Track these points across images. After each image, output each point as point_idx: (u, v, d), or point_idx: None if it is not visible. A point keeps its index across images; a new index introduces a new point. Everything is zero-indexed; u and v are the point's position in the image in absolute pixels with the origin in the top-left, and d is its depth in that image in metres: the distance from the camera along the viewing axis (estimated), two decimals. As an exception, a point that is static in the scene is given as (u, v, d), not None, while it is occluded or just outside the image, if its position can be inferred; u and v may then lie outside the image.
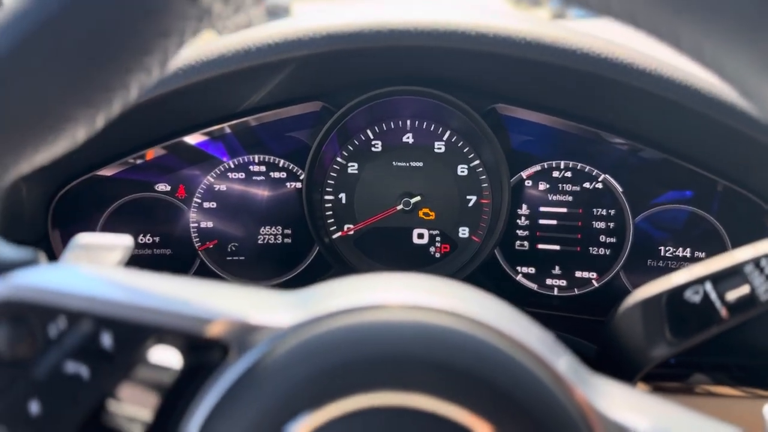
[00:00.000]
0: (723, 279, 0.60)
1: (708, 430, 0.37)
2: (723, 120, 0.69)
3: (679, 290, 0.61)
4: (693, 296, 0.60)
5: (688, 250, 0.88)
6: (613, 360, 0.65)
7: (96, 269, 0.43)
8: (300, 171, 0.92)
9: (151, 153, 0.88)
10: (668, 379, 0.78)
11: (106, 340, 0.38)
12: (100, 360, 0.38)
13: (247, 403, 0.38)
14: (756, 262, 0.59)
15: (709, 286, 0.60)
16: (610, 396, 0.37)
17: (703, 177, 0.83)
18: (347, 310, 0.39)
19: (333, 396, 0.36)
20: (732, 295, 0.58)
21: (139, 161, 0.88)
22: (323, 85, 0.85)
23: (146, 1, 0.31)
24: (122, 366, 0.38)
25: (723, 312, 0.59)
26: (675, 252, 0.89)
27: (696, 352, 0.81)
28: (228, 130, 0.88)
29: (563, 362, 0.38)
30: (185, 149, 0.89)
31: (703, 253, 0.88)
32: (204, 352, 0.38)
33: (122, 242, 0.51)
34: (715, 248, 0.87)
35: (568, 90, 0.79)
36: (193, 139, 0.88)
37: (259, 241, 0.94)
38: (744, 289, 0.58)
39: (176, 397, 0.38)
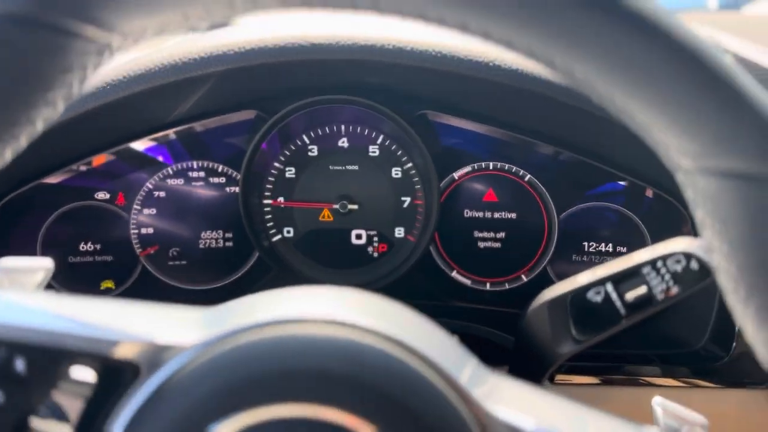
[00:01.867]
0: (623, 280, 0.64)
1: (601, 426, 0.40)
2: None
3: (583, 290, 0.66)
4: (595, 296, 0.65)
5: (611, 245, 0.94)
6: (525, 357, 0.70)
7: (8, 295, 0.44)
8: (239, 176, 0.94)
9: (99, 159, 0.90)
10: (600, 372, 0.83)
11: (20, 365, 0.40)
12: (14, 384, 0.40)
13: (157, 420, 0.40)
14: (653, 263, 0.63)
15: (610, 287, 0.64)
16: (503, 395, 0.39)
17: (622, 177, 0.88)
18: (248, 327, 0.42)
19: (236, 409, 0.39)
20: (631, 295, 0.63)
21: (83, 168, 0.90)
22: (256, 93, 0.87)
23: (44, 41, 0.33)
24: (38, 389, 0.40)
25: (623, 311, 0.63)
26: (598, 247, 0.94)
27: (621, 344, 0.87)
28: (173, 136, 0.90)
29: (465, 368, 0.40)
30: (131, 155, 0.91)
31: (625, 248, 0.93)
32: (117, 372, 0.40)
33: (42, 264, 0.52)
34: (636, 244, 0.92)
35: (491, 98, 0.82)
36: (139, 145, 0.90)
37: (201, 246, 0.96)
38: (642, 290, 0.63)
39: (94, 415, 0.41)
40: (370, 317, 0.43)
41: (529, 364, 0.70)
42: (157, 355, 0.40)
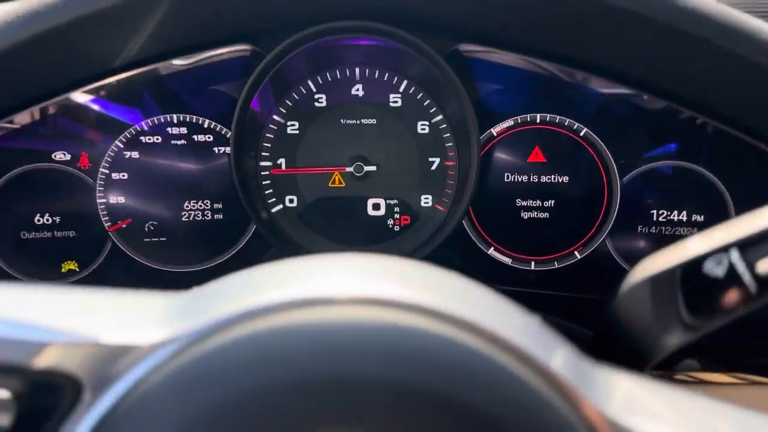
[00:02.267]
0: (752, 245, 0.48)
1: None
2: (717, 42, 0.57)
3: (698, 261, 0.49)
4: (715, 268, 0.49)
5: (685, 213, 0.77)
6: (615, 350, 0.53)
7: None
8: (229, 132, 0.77)
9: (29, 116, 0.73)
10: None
11: None
12: None
13: None
14: (794, 221, 0.47)
15: (735, 255, 0.48)
16: (622, 395, 0.30)
17: (700, 127, 0.71)
18: (238, 316, 0.27)
19: None
20: (765, 266, 0.47)
21: (17, 125, 0.72)
22: (252, 22, 0.69)
23: None
24: None
25: (753, 286, 0.47)
26: (669, 216, 0.77)
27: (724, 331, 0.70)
28: (134, 85, 0.73)
29: (558, 357, 0.30)
30: (78, 109, 0.74)
31: (701, 216, 0.77)
32: (46, 392, 0.27)
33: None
34: (716, 209, 0.76)
35: (548, 22, 0.65)
36: (81, 97, 0.73)
37: (184, 219, 0.79)
38: None
39: None
40: (420, 290, 0.30)
41: (620, 359, 0.54)
42: (104, 363, 0.27)
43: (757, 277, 0.46)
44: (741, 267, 0.47)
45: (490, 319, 0.29)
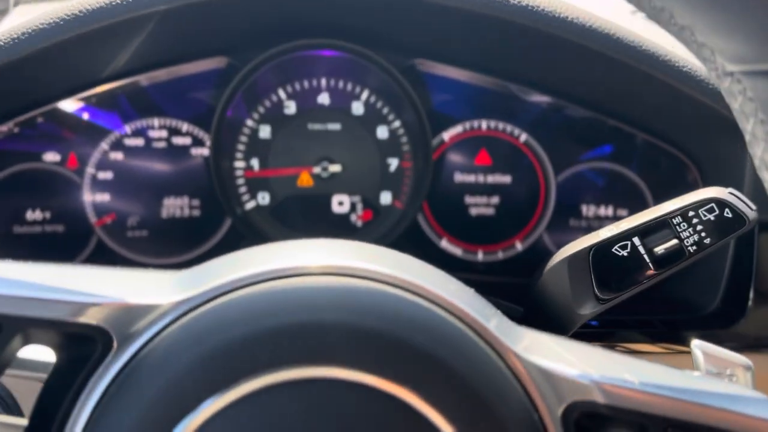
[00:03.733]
0: (651, 232, 0.58)
1: (641, 370, 0.36)
2: (650, 71, 0.67)
3: (606, 245, 0.60)
4: (620, 251, 0.59)
5: (611, 208, 0.88)
6: (541, 321, 0.63)
7: None
8: (206, 136, 0.85)
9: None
10: (591, 338, 0.77)
11: None
12: None
13: (138, 396, 0.32)
14: (683, 214, 0.58)
15: (636, 240, 0.58)
16: (538, 345, 0.36)
17: (623, 133, 0.82)
18: (241, 280, 0.34)
19: (237, 376, 0.31)
20: (660, 248, 0.57)
21: (16, 129, 0.79)
22: (227, 38, 0.77)
23: None
24: None
25: (651, 266, 0.58)
26: (597, 211, 0.88)
27: (618, 309, 0.81)
28: (119, 93, 0.80)
29: (493, 321, 0.36)
30: (67, 116, 0.80)
31: (626, 211, 0.88)
32: (82, 344, 0.33)
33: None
34: (637, 206, 0.86)
35: (488, 41, 0.75)
36: (71, 105, 0.79)
37: (163, 215, 0.86)
38: (672, 242, 0.57)
39: (55, 398, 0.32)
40: (382, 265, 0.36)
41: (545, 327, 0.64)
42: (131, 318, 0.33)
43: (654, 257, 0.57)
44: (641, 249, 0.58)
45: (437, 286, 0.37)
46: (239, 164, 0.87)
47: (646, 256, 0.57)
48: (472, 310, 0.34)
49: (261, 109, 0.85)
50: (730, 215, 0.56)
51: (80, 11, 0.64)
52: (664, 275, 0.57)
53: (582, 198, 0.88)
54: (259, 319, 0.32)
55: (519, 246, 0.90)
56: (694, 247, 0.56)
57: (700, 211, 0.56)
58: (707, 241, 0.56)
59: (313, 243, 0.39)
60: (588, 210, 0.88)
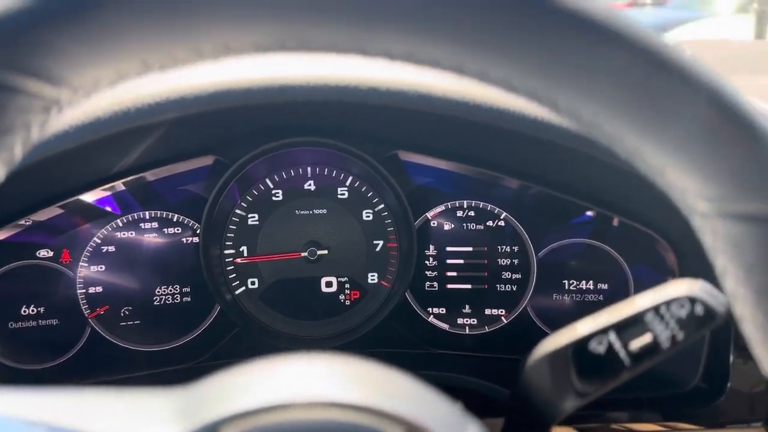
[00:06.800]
0: (626, 328, 0.60)
1: None
2: (600, 157, 0.70)
3: (584, 341, 0.62)
4: (598, 347, 0.61)
5: (591, 282, 0.90)
6: (525, 412, 0.65)
7: None
8: (196, 225, 0.87)
9: (43, 214, 0.81)
10: (588, 419, 0.79)
11: None
12: None
13: None
14: (656, 309, 0.60)
15: (612, 336, 0.60)
16: None
17: (599, 213, 0.85)
18: (229, 417, 0.35)
19: None
20: (636, 344, 0.59)
21: (26, 223, 0.81)
22: (215, 138, 0.81)
23: None
24: None
25: (627, 361, 0.60)
26: (579, 285, 0.90)
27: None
28: (122, 186, 0.83)
29: None
30: (79, 208, 0.83)
31: (606, 285, 0.90)
32: None
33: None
34: (618, 280, 0.89)
35: (462, 136, 0.79)
36: (88, 197, 0.82)
37: (156, 303, 0.88)
38: (647, 338, 0.59)
39: None
40: (371, 393, 0.38)
41: (530, 419, 0.66)
42: None
43: (630, 353, 0.59)
44: (617, 345, 0.60)
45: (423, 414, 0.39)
46: (229, 251, 0.89)
47: (622, 352, 0.59)
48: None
49: (249, 198, 0.88)
50: (701, 311, 0.59)
51: (102, 116, 0.66)
52: (641, 369, 0.59)
53: (563, 273, 0.91)
54: None
55: (504, 320, 0.92)
56: (669, 343, 0.58)
57: (671, 307, 0.59)
58: (680, 336, 0.58)
59: (293, 364, 0.40)
60: (570, 284, 0.91)
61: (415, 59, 0.29)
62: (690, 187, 0.30)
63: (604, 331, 0.61)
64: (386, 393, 0.39)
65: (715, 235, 0.30)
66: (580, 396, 0.62)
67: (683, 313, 0.59)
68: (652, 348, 0.59)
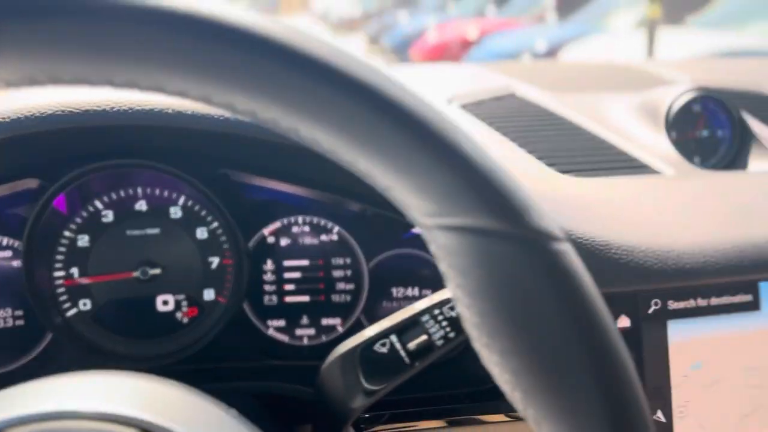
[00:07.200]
0: (406, 330, 0.67)
1: None
2: None
3: (370, 343, 0.68)
4: (381, 348, 0.67)
5: (416, 289, 0.97)
6: (324, 413, 0.70)
7: None
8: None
9: None
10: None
11: None
12: None
13: None
14: (430, 312, 0.66)
15: (394, 338, 0.66)
16: None
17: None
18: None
19: None
20: (413, 344, 0.66)
21: None
22: (36, 161, 0.81)
23: None
24: None
25: (407, 359, 0.66)
26: (405, 292, 0.97)
27: (429, 386, 0.89)
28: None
29: None
30: None
31: (429, 291, 0.97)
32: None
33: None
34: (440, 285, 0.96)
35: (289, 156, 0.83)
36: None
37: (-17, 328, 0.87)
38: (422, 338, 0.66)
39: None
40: (131, 406, 0.41)
41: (329, 420, 0.70)
42: None
43: (408, 352, 0.65)
44: (398, 345, 0.66)
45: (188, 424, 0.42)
46: (58, 273, 0.89)
47: (402, 352, 0.65)
48: None
49: (78, 220, 0.89)
50: (469, 312, 0.65)
51: None
52: (420, 367, 0.65)
53: (391, 281, 0.97)
54: None
55: (340, 329, 0.97)
56: (442, 341, 0.65)
57: (443, 309, 0.65)
58: (451, 335, 0.64)
59: (80, 380, 0.43)
60: (398, 292, 0.97)
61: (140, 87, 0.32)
62: (412, 204, 0.34)
63: (386, 333, 0.67)
64: (138, 402, 0.42)
65: (436, 244, 0.35)
66: (368, 394, 0.68)
67: (454, 313, 0.66)
68: (428, 347, 0.66)
